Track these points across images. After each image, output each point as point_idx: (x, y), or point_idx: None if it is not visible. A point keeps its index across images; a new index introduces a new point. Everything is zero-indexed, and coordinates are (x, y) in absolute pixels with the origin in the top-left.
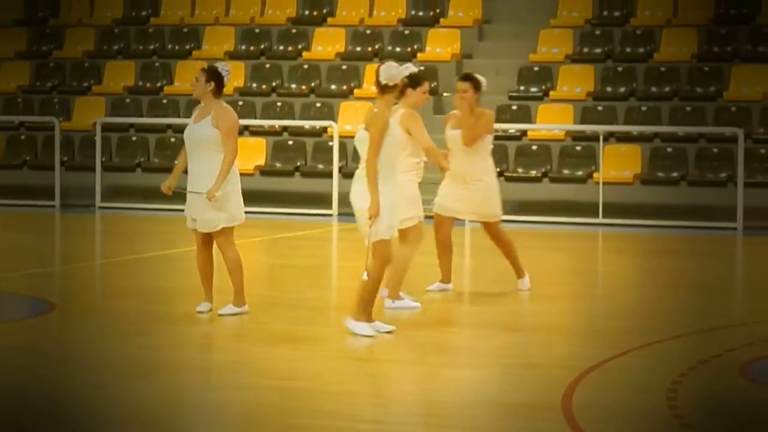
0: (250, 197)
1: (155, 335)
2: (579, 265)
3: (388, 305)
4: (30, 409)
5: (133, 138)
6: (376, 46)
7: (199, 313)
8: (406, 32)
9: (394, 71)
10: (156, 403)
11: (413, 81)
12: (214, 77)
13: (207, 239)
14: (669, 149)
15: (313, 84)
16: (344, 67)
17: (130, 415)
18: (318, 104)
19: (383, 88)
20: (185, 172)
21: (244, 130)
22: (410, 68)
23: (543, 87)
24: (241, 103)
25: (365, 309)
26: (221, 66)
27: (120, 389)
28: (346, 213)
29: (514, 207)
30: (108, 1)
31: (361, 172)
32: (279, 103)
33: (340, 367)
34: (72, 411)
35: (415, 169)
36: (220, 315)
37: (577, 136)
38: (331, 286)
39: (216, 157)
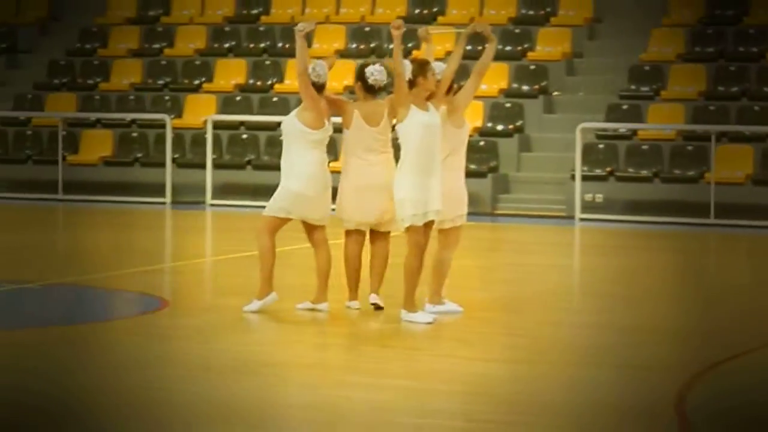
0: None
1: (264, 333)
2: (690, 266)
3: (428, 310)
4: (137, 406)
5: (244, 136)
6: (486, 45)
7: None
8: (516, 31)
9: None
10: (262, 402)
11: (420, 69)
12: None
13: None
14: None
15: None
16: None
17: (236, 414)
18: None
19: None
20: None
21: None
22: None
23: (654, 86)
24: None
25: (410, 298)
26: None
27: (226, 387)
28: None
29: (624, 207)
30: (219, 1)
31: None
32: None
33: (446, 366)
34: (178, 409)
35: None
36: (244, 310)
37: (689, 136)
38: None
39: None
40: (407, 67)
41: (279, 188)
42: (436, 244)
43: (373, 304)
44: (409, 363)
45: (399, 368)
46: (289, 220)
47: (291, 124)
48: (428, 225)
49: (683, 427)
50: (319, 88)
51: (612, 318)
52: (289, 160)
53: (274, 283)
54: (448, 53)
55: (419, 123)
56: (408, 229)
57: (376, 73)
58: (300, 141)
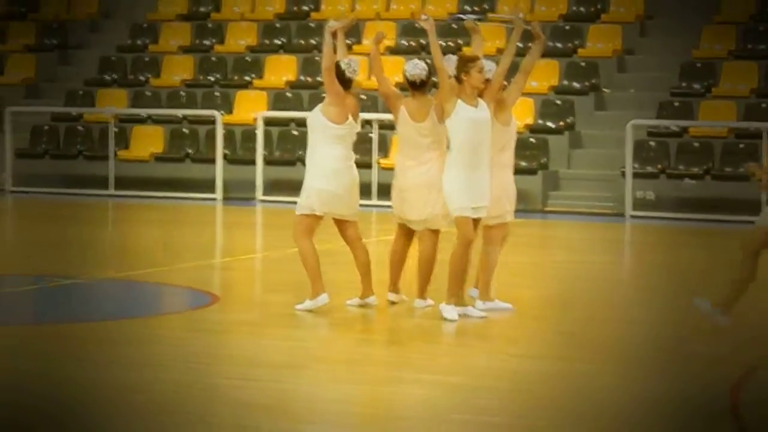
0: None
1: (313, 328)
2: None
3: (478, 306)
4: (185, 400)
5: (294, 132)
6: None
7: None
8: (567, 28)
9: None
10: (311, 397)
11: (463, 65)
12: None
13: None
14: None
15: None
16: None
17: (285, 409)
18: None
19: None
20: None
21: None
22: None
23: (705, 83)
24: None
25: (452, 291)
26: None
27: (275, 382)
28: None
29: (674, 204)
30: None
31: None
32: None
33: (494, 363)
34: (227, 403)
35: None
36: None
37: (740, 134)
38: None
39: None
40: (451, 63)
41: (303, 185)
42: (481, 239)
43: (390, 301)
44: (457, 359)
45: (447, 364)
46: (320, 218)
47: (315, 119)
48: (477, 221)
49: (737, 420)
50: (347, 83)
51: (663, 315)
52: (313, 155)
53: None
54: (499, 50)
55: (465, 118)
56: (456, 222)
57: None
58: (324, 136)
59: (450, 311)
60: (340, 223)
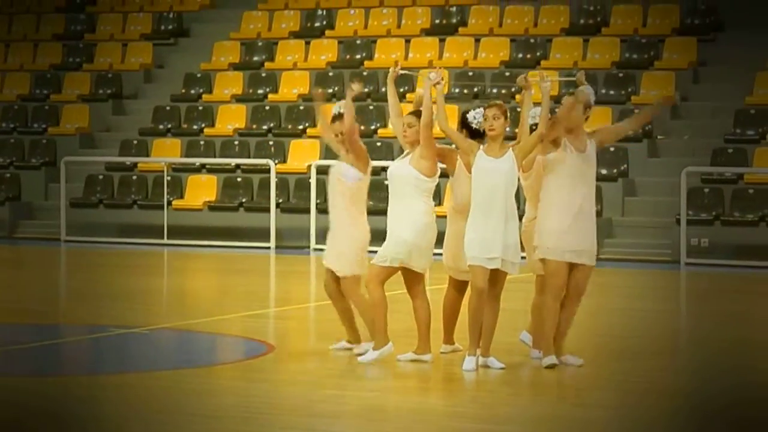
0: None
1: (369, 378)
2: None
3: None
4: None
5: None
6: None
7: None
8: (620, 75)
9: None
10: None
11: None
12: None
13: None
14: None
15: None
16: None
17: None
18: None
19: (474, 134)
20: None
21: None
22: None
23: (760, 130)
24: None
25: (471, 341)
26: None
27: None
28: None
29: (730, 251)
30: (323, 46)
31: None
32: None
33: (553, 411)
34: None
35: None
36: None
37: None
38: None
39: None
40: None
41: (390, 237)
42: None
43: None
44: (517, 409)
45: (507, 414)
46: (399, 269)
47: (404, 171)
48: (496, 272)
49: None
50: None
51: (722, 364)
52: (400, 208)
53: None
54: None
55: (478, 167)
56: (470, 270)
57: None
58: (415, 189)
59: (468, 362)
60: (412, 275)
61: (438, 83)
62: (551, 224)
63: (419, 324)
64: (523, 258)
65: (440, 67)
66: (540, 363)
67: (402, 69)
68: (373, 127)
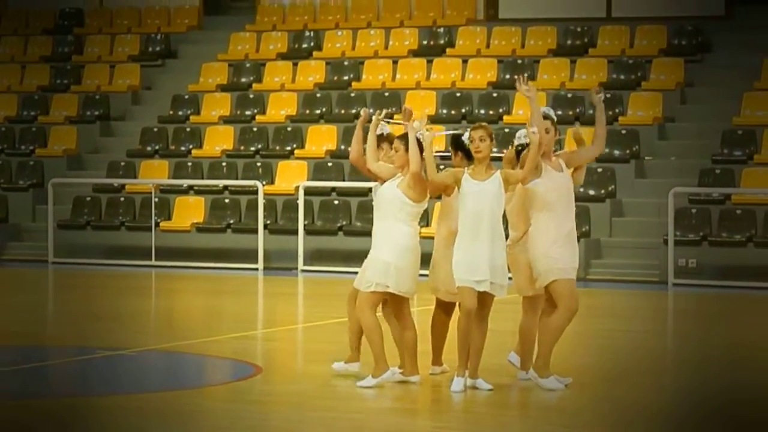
0: None
1: (358, 400)
2: None
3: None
4: None
5: (335, 201)
6: (577, 110)
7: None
8: (608, 95)
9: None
10: None
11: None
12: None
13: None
14: None
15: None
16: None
17: None
18: None
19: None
20: None
21: None
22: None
23: (747, 150)
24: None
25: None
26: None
27: None
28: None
29: (717, 272)
30: (310, 68)
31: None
32: None
33: None
34: None
35: None
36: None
37: None
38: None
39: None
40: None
41: (374, 260)
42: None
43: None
44: (506, 430)
45: None
46: (389, 293)
47: (392, 193)
48: (484, 294)
49: None
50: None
51: (711, 385)
52: (383, 228)
53: (363, 350)
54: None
55: (465, 191)
56: (459, 291)
57: (466, 136)
58: (399, 211)
59: (456, 383)
60: (398, 299)
61: (420, 132)
62: (554, 248)
63: (407, 348)
64: (509, 279)
65: (425, 118)
66: (532, 382)
67: (386, 119)
68: None
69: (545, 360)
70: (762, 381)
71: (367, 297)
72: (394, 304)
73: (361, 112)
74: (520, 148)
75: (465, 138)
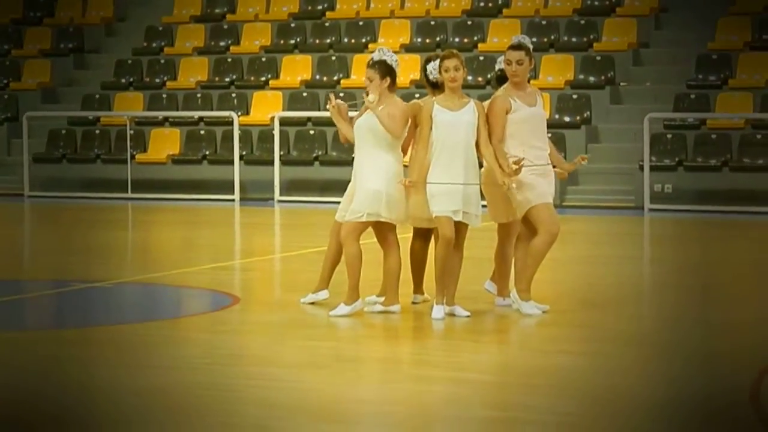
0: None
1: (335, 328)
2: (762, 256)
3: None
4: (207, 403)
5: (311, 132)
6: (552, 37)
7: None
8: (582, 22)
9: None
10: (336, 397)
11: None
12: (388, 72)
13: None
14: None
15: (489, 75)
16: None
17: (310, 409)
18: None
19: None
20: None
21: None
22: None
23: (722, 75)
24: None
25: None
26: (388, 55)
27: (300, 383)
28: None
29: (693, 196)
30: None
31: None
32: None
33: (523, 359)
34: (251, 405)
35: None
36: (331, 316)
37: (757, 125)
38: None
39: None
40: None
41: (363, 189)
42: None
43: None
44: (484, 356)
45: (474, 362)
46: (372, 222)
47: (370, 124)
48: (458, 223)
49: (761, 420)
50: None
51: (687, 310)
52: (367, 159)
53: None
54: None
55: (438, 121)
56: (437, 221)
57: (433, 63)
58: (384, 142)
59: (436, 311)
60: (384, 225)
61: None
62: (529, 175)
63: (389, 275)
64: (483, 207)
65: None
66: (509, 309)
67: (339, 100)
68: (335, 78)
69: (527, 283)
70: (737, 307)
71: (354, 227)
72: (380, 231)
73: (327, 106)
74: (499, 72)
75: (430, 67)
